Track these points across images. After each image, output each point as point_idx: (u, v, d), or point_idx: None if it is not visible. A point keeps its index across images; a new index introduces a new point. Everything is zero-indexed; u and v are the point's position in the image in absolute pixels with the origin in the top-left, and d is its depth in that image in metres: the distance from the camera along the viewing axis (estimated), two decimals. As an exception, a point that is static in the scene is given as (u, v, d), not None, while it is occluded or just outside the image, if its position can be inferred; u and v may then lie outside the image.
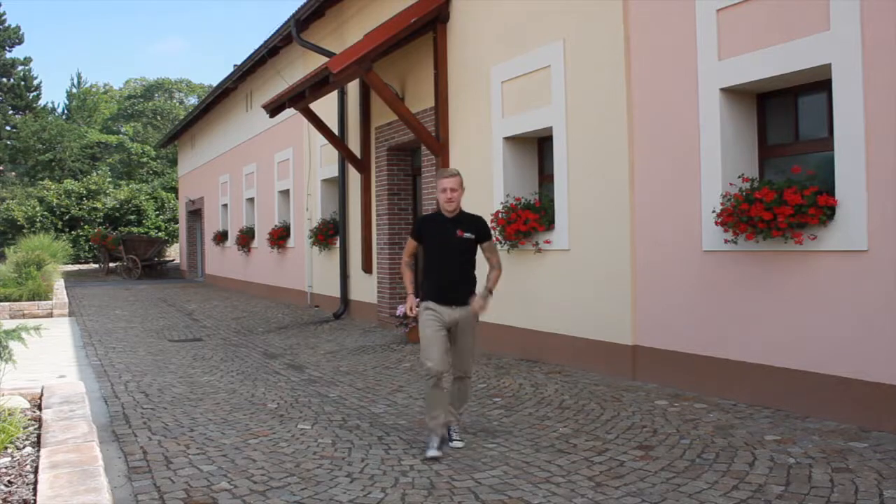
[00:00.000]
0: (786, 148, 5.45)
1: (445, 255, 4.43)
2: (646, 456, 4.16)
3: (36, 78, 43.80)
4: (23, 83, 42.80)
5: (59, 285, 14.70)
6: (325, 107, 11.41)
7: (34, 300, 12.57)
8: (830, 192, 4.71)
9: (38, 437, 3.92)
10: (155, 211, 30.05)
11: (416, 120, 8.75)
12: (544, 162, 7.92)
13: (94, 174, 33.78)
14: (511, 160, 7.86)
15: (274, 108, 10.90)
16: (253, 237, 16.97)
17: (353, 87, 11.21)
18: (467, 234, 4.42)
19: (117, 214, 29.10)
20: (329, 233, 12.25)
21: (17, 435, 3.94)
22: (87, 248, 28.54)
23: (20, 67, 42.97)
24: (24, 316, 11.90)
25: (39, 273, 13.42)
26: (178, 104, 48.68)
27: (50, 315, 12.22)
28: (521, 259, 7.50)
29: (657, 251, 6.01)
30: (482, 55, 8.14)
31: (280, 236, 14.68)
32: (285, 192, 14.95)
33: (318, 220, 12.79)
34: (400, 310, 8.50)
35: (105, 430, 4.94)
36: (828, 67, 4.75)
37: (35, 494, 2.97)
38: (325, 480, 3.89)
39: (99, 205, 29.05)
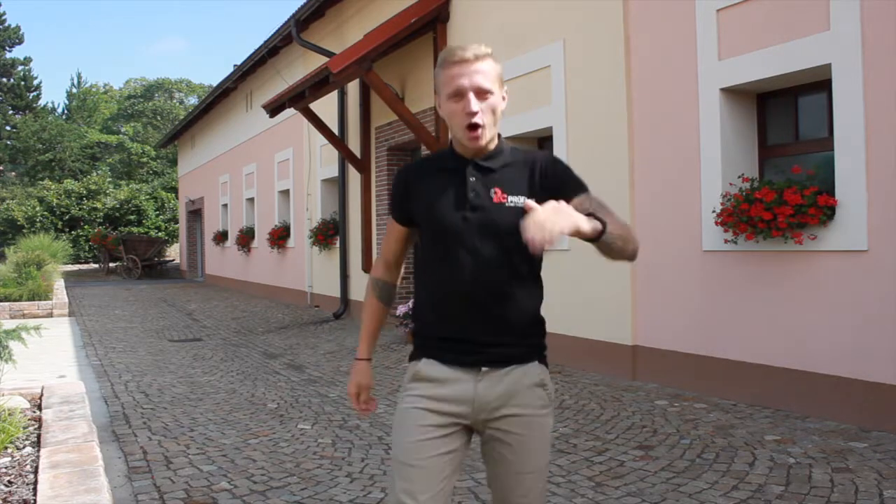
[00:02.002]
0: (786, 148, 5.45)
1: (465, 249, 1.86)
2: (646, 456, 4.16)
3: (36, 78, 43.81)
4: (23, 83, 42.80)
5: (59, 285, 14.70)
6: (325, 107, 11.41)
7: (34, 300, 12.56)
8: (830, 192, 4.71)
9: (38, 437, 3.92)
10: (155, 211, 30.04)
11: (416, 120, 8.75)
12: (544, 162, 7.91)
13: (94, 174, 33.78)
14: (511, 160, 7.85)
15: (274, 108, 10.90)
16: (253, 237, 16.97)
17: (353, 87, 11.21)
18: (517, 200, 1.86)
19: (117, 214, 29.08)
20: (329, 233, 12.25)
21: (17, 435, 3.94)
22: (87, 248, 28.52)
23: (20, 67, 42.97)
24: (24, 316, 11.89)
25: (39, 273, 13.41)
26: (178, 104, 48.67)
27: (50, 315, 12.21)
28: (521, 259, 7.50)
29: (657, 251, 6.01)
30: (482, 55, 8.13)
31: (280, 236, 14.68)
32: (285, 192, 14.95)
33: (318, 220, 12.79)
34: (400, 310, 8.49)
35: (105, 430, 4.94)
36: (828, 67, 4.75)
37: (35, 494, 2.97)
38: (325, 480, 3.89)
39: (99, 205, 29.04)
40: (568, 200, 1.77)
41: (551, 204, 1.65)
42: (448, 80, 1.85)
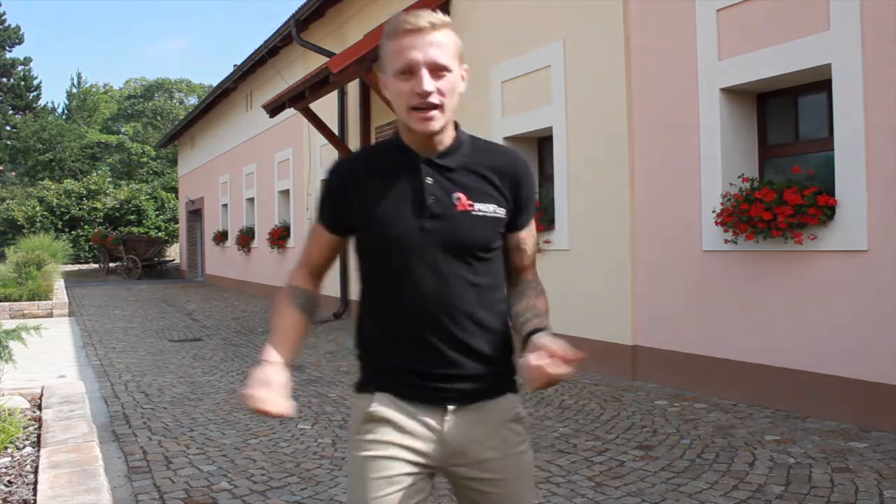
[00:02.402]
0: (786, 148, 5.45)
1: (423, 266, 1.56)
2: (646, 456, 4.16)
3: (36, 78, 43.79)
4: (23, 83, 42.79)
5: (59, 285, 14.69)
6: (325, 107, 11.41)
7: (34, 300, 12.56)
8: (830, 192, 4.71)
9: (38, 437, 3.91)
10: (155, 211, 30.04)
11: (416, 120, 8.74)
12: (544, 162, 7.92)
13: (94, 174, 33.79)
14: (511, 160, 7.85)
15: (274, 108, 10.91)
16: (253, 237, 16.97)
17: (353, 87, 11.21)
18: (485, 208, 1.58)
19: (117, 214, 29.09)
20: (329, 233, 12.24)
21: (17, 435, 3.94)
22: (87, 248, 28.53)
23: (20, 67, 42.96)
24: (24, 316, 11.89)
25: (39, 273, 13.41)
26: (178, 104, 48.66)
27: (50, 315, 12.21)
28: (521, 259, 7.50)
29: (657, 251, 6.01)
30: (482, 55, 8.14)
31: (280, 236, 14.68)
32: (285, 192, 14.95)
33: (318, 220, 12.78)
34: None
35: (105, 430, 4.94)
36: (828, 67, 4.75)
37: (35, 494, 2.97)
38: (325, 480, 3.89)
39: (99, 205, 29.05)
40: (520, 228, 1.65)
41: (551, 349, 1.42)
42: (396, 54, 1.51)
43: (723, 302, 5.46)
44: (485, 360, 1.57)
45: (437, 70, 1.50)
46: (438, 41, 1.51)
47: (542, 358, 1.40)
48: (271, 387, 1.58)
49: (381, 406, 1.57)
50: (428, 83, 1.49)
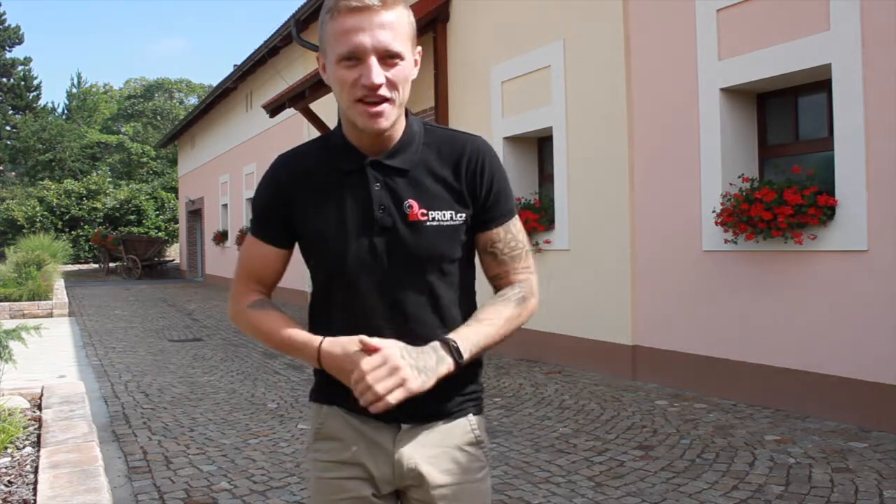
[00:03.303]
0: (786, 148, 5.45)
1: (373, 287, 1.39)
2: (646, 456, 4.16)
3: (36, 78, 43.84)
4: (23, 83, 42.82)
5: (59, 285, 14.69)
6: (325, 107, 11.41)
7: (34, 300, 12.56)
8: (830, 192, 4.71)
9: (38, 437, 3.91)
10: (155, 211, 30.06)
11: (416, 120, 8.74)
12: (544, 162, 7.92)
13: (94, 174, 33.81)
14: (511, 160, 7.85)
15: (274, 108, 10.91)
16: (253, 237, 16.97)
17: (353, 87, 11.20)
18: (441, 216, 1.38)
19: (117, 214, 29.10)
20: (329, 233, 12.25)
21: (17, 435, 3.94)
22: (87, 248, 28.56)
23: (20, 67, 43.00)
24: (24, 316, 11.89)
25: (39, 273, 13.41)
26: (178, 104, 48.68)
27: (50, 315, 12.21)
28: (521, 259, 7.49)
29: (657, 251, 6.01)
30: (482, 55, 8.14)
31: (280, 236, 14.69)
32: (285, 192, 14.96)
33: (318, 220, 12.79)
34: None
35: (105, 430, 4.94)
36: (828, 67, 4.75)
37: (35, 494, 2.97)
38: (325, 480, 3.88)
39: (99, 205, 29.06)
40: (489, 229, 1.41)
41: (387, 358, 1.23)
42: (340, 36, 1.28)
43: (723, 302, 5.46)
44: (443, 379, 1.30)
45: (388, 57, 1.28)
46: (389, 22, 1.28)
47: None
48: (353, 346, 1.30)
49: (331, 422, 1.44)
50: (377, 74, 1.27)
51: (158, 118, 46.84)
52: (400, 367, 1.23)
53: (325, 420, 1.45)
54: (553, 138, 7.16)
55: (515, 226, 1.44)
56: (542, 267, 7.28)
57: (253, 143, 16.82)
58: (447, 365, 1.28)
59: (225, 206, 19.66)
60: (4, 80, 42.49)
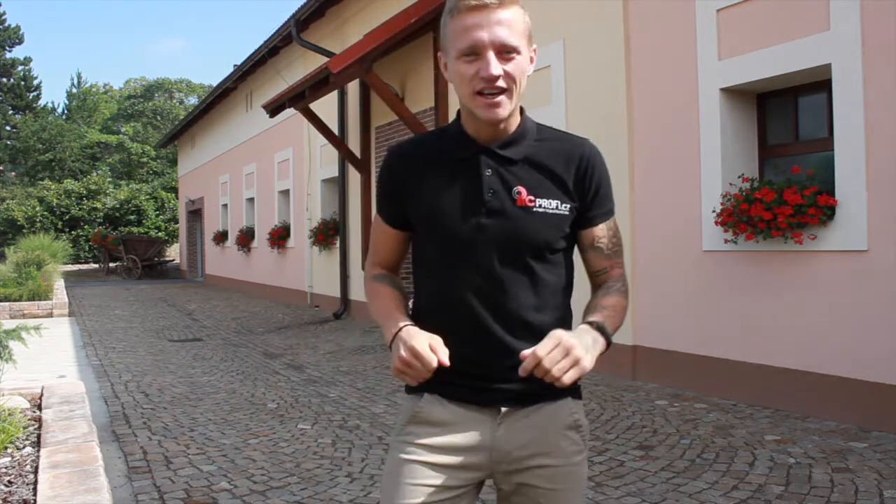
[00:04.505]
0: (786, 148, 5.45)
1: (478, 266, 1.46)
2: (646, 456, 4.16)
3: (36, 78, 43.84)
4: (23, 83, 42.82)
5: (59, 285, 14.69)
6: (325, 107, 11.41)
7: (34, 300, 12.56)
8: (830, 192, 4.71)
9: (38, 437, 3.91)
10: (155, 211, 30.06)
11: (416, 120, 8.75)
12: (544, 162, 7.91)
13: (94, 174, 33.81)
14: (511, 160, 7.85)
15: (274, 108, 10.91)
16: (253, 237, 16.97)
17: (353, 87, 11.21)
18: (548, 204, 1.47)
19: (117, 214, 29.10)
20: (329, 233, 12.26)
21: (17, 435, 3.94)
22: (87, 248, 28.55)
23: (20, 67, 43.00)
24: (24, 316, 11.89)
25: (39, 273, 13.41)
26: (178, 104, 48.67)
27: (50, 315, 12.21)
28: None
29: (657, 251, 6.01)
30: (482, 55, 8.14)
31: (280, 236, 14.69)
32: (285, 192, 14.96)
33: (318, 220, 12.79)
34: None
35: (105, 430, 4.94)
36: (828, 67, 4.75)
37: (35, 494, 2.97)
38: (325, 480, 3.89)
39: (99, 205, 29.06)
40: (593, 225, 1.51)
41: (560, 340, 1.30)
42: (460, 33, 1.38)
43: (723, 302, 5.46)
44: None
45: (505, 51, 1.37)
46: (506, 19, 1.37)
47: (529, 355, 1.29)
48: (422, 337, 1.37)
49: (428, 407, 1.48)
50: (495, 66, 1.36)
51: (158, 118, 46.83)
52: (573, 345, 1.29)
53: (425, 405, 1.48)
54: (553, 138, 7.15)
55: (616, 224, 1.56)
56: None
57: (253, 143, 16.82)
58: (601, 344, 1.40)
59: (225, 206, 19.66)
60: (4, 80, 42.49)
